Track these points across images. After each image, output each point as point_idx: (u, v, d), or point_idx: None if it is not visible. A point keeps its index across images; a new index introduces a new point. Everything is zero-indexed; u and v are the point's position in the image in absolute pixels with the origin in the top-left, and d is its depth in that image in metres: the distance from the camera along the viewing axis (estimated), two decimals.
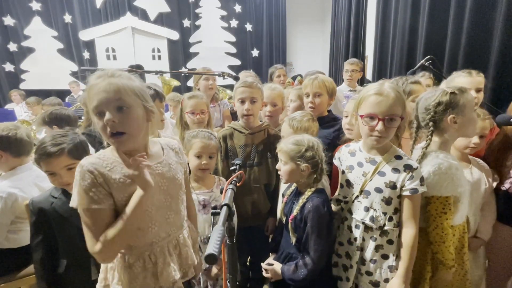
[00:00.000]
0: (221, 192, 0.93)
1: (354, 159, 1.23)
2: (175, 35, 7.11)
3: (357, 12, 5.02)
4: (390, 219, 1.13)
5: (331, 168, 1.44)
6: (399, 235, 1.14)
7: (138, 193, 0.87)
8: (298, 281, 1.18)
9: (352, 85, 3.14)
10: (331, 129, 1.73)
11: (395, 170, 1.11)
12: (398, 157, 1.14)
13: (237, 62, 7.56)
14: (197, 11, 7.20)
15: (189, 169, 1.43)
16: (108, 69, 0.89)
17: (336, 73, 6.25)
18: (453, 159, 1.19)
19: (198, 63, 7.00)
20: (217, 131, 2.00)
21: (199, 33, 7.30)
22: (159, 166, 0.99)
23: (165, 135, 1.78)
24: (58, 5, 6.43)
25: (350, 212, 1.23)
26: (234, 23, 7.46)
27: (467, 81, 1.65)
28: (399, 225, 1.14)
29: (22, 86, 6.34)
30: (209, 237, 0.70)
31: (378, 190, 1.13)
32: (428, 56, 2.06)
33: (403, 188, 1.10)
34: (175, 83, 3.42)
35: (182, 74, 6.24)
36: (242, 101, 1.60)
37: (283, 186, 1.51)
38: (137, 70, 2.13)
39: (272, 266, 1.29)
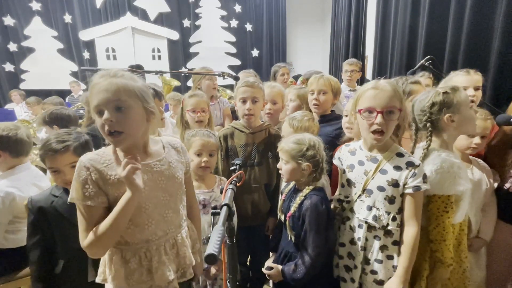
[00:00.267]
0: (221, 192, 0.93)
1: (354, 158, 1.23)
2: (175, 35, 7.11)
3: (357, 12, 5.02)
4: (394, 218, 1.12)
5: (331, 168, 1.44)
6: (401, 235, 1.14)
7: (126, 195, 0.87)
8: (298, 279, 1.18)
9: (351, 85, 3.15)
10: (333, 127, 1.73)
11: (397, 167, 1.11)
12: (400, 155, 1.13)
13: (237, 62, 7.56)
14: (197, 11, 7.21)
15: None
16: (112, 69, 0.91)
17: (336, 73, 6.24)
18: (456, 158, 1.19)
19: (198, 63, 6.99)
20: (218, 129, 2.00)
21: (199, 33, 7.30)
22: (158, 164, 0.99)
23: (165, 134, 1.78)
24: (58, 5, 6.43)
25: (353, 212, 1.22)
26: (234, 23, 7.46)
27: (465, 80, 1.65)
28: (402, 225, 1.14)
29: (22, 86, 6.34)
30: (209, 237, 0.70)
31: (381, 189, 1.13)
32: (428, 56, 2.06)
33: (406, 186, 1.09)
34: (176, 83, 3.43)
35: (182, 74, 6.25)
36: (244, 101, 1.60)
37: (283, 186, 1.51)
38: (137, 70, 2.13)
39: (272, 270, 1.28)
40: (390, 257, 1.15)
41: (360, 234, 1.18)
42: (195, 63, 7.08)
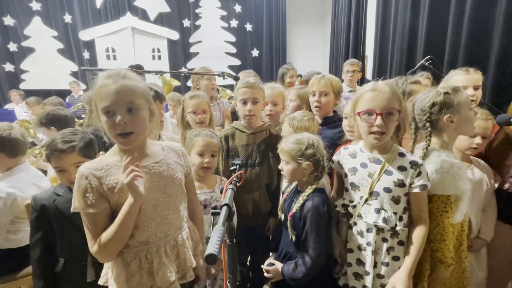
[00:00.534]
0: (221, 192, 0.93)
1: (355, 160, 1.21)
2: (175, 35, 7.11)
3: (357, 12, 5.03)
4: (400, 218, 1.12)
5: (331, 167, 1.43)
6: (408, 235, 1.13)
7: (129, 201, 0.89)
8: (297, 279, 1.18)
9: (352, 86, 3.15)
10: (336, 130, 1.69)
11: (402, 167, 1.10)
12: (402, 155, 1.13)
13: (237, 62, 7.56)
14: (197, 11, 7.20)
15: None
16: (117, 69, 0.93)
17: (336, 73, 6.24)
18: (455, 158, 1.19)
19: (198, 63, 6.99)
20: (218, 130, 2.00)
21: (199, 33, 7.30)
22: (156, 165, 1.00)
23: (165, 134, 1.78)
24: (58, 5, 6.43)
25: (360, 216, 1.18)
26: (234, 23, 7.46)
27: (465, 79, 1.64)
28: (408, 224, 1.14)
29: (22, 86, 6.34)
30: (209, 237, 0.70)
31: (387, 190, 1.11)
32: (428, 56, 2.07)
33: (412, 185, 1.09)
34: (176, 83, 3.42)
35: (182, 74, 6.24)
36: (244, 102, 1.59)
37: (284, 186, 1.51)
38: (138, 70, 2.13)
39: (272, 266, 1.29)
40: (396, 259, 1.14)
41: (370, 238, 1.15)
42: (195, 63, 7.07)
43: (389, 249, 1.14)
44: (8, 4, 6.16)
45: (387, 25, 3.94)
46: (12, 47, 6.31)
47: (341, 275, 1.27)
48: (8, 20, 6.20)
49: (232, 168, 1.16)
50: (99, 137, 1.26)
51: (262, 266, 1.35)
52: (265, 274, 1.32)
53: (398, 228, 1.11)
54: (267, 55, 7.77)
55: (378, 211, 1.13)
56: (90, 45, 6.71)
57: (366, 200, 1.16)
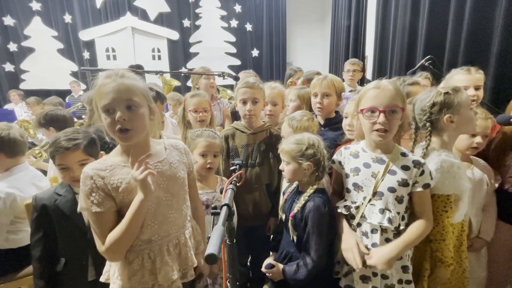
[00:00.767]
0: (221, 192, 0.93)
1: (358, 160, 1.19)
2: (175, 35, 7.11)
3: (357, 12, 5.03)
4: (403, 218, 1.12)
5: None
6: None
7: (139, 197, 0.90)
8: (299, 281, 1.18)
9: (352, 85, 3.15)
10: (339, 131, 1.65)
11: (405, 167, 1.10)
12: (404, 154, 1.13)
13: (237, 62, 7.56)
14: (197, 11, 7.21)
15: None
16: (116, 69, 0.95)
17: (336, 73, 6.24)
18: (455, 158, 1.19)
19: (198, 63, 6.99)
20: (218, 130, 2.00)
21: (199, 33, 7.30)
22: (159, 164, 1.01)
23: (165, 134, 1.78)
24: (58, 5, 6.43)
25: (363, 217, 1.15)
26: (234, 23, 7.46)
27: (466, 79, 1.62)
28: (409, 224, 1.13)
29: (22, 86, 6.35)
30: (209, 237, 0.70)
31: (392, 190, 1.10)
32: (428, 56, 2.07)
33: (416, 184, 1.09)
34: (176, 83, 3.42)
35: (182, 74, 6.24)
36: (244, 102, 1.59)
37: (284, 186, 1.50)
38: (137, 70, 2.13)
39: (273, 267, 1.28)
40: (398, 258, 1.13)
41: (375, 239, 1.12)
42: (195, 63, 7.08)
43: None
44: (8, 4, 6.17)
45: (387, 25, 3.94)
46: (12, 47, 6.32)
47: (342, 277, 1.24)
48: (8, 20, 6.21)
49: (232, 168, 1.16)
50: (100, 138, 1.27)
51: (262, 269, 1.34)
52: (267, 275, 1.32)
53: (401, 228, 1.11)
54: (267, 55, 7.77)
55: (382, 211, 1.11)
56: (90, 45, 6.72)
57: (370, 200, 1.14)
